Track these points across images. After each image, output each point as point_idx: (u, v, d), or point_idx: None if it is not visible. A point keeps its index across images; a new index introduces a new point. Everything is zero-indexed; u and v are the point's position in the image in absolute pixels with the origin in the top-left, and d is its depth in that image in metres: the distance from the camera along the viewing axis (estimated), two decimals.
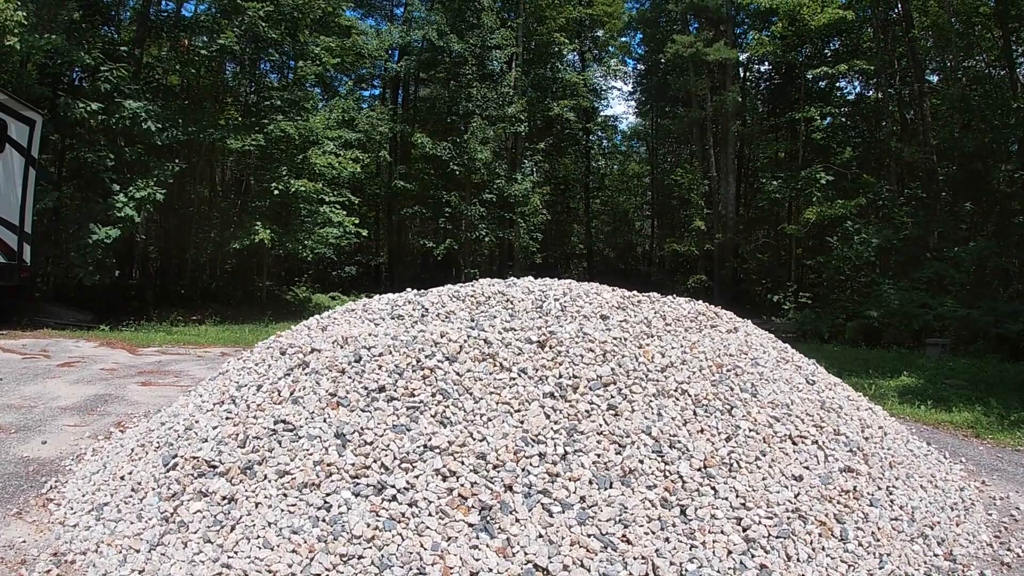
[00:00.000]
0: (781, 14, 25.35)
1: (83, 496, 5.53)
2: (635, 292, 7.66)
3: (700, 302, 7.95)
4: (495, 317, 6.43)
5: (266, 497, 4.60)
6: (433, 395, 4.99)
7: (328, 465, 4.57)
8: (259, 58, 25.14)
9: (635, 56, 37.25)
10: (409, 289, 7.80)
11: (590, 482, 4.41)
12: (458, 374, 5.20)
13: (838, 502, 5.15)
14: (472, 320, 6.40)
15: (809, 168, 25.43)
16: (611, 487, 4.44)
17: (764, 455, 5.15)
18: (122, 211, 19.70)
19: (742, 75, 32.40)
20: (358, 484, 4.40)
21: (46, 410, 8.84)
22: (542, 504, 4.26)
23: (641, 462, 4.67)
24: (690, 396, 5.39)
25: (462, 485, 4.29)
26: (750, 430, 5.33)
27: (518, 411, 4.89)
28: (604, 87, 37.41)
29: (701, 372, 5.75)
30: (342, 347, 5.75)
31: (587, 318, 6.50)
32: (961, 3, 23.69)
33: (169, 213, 25.72)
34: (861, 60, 25.52)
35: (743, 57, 31.38)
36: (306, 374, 5.51)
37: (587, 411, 4.93)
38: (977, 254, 21.03)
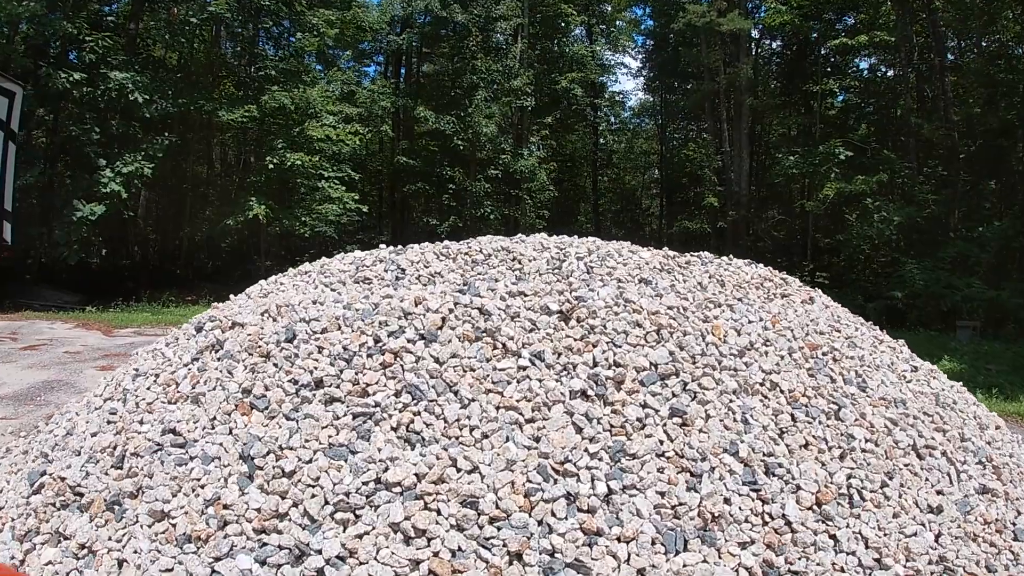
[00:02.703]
0: None
1: None
2: (673, 252, 5.90)
3: (761, 265, 6.13)
4: (496, 280, 4.69)
5: (134, 553, 2.86)
6: (397, 394, 3.27)
7: (224, 508, 2.79)
8: (256, 31, 23.27)
9: (643, 31, 35.35)
10: (384, 246, 6.01)
11: (652, 542, 2.62)
12: (437, 361, 3.47)
13: (983, 540, 3.63)
14: (464, 284, 4.63)
15: (827, 143, 23.61)
16: (685, 549, 2.67)
17: (891, 478, 3.53)
18: (108, 186, 18.28)
19: (755, 49, 30.43)
20: (265, 546, 2.60)
21: None
22: None
23: (727, 502, 2.92)
24: (783, 393, 3.65)
25: (437, 555, 2.50)
26: (867, 440, 3.69)
27: (532, 421, 3.20)
28: (612, 62, 35.80)
29: (792, 357, 4.00)
30: (274, 320, 3.96)
31: (622, 282, 4.73)
32: None
33: (164, 191, 24.17)
34: (882, 31, 23.50)
35: (755, 33, 29.62)
36: (217, 359, 3.76)
37: (640, 420, 3.23)
38: (1002, 234, 19.51)
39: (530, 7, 29.38)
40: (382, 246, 6.01)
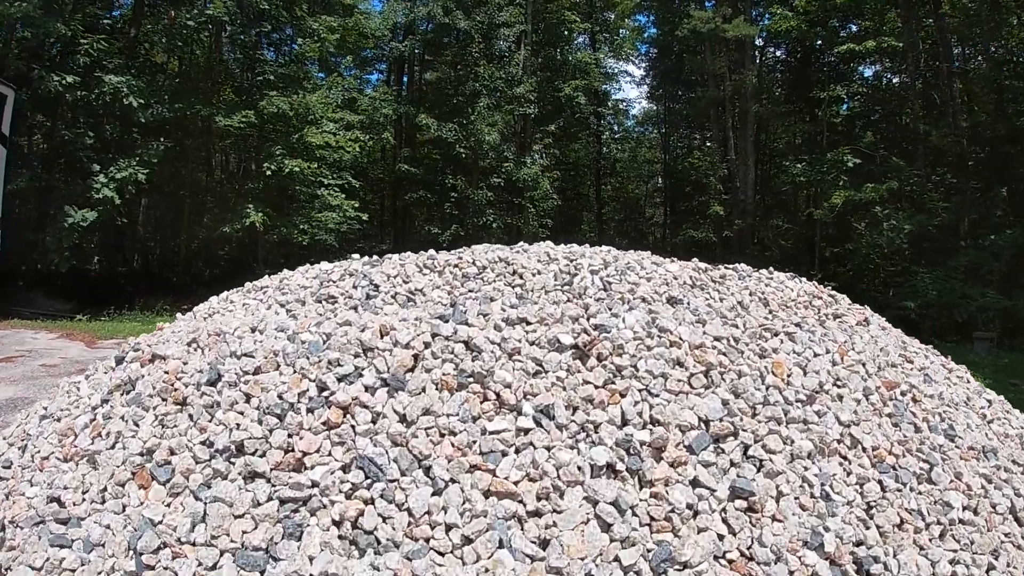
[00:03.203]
0: None
1: None
2: (704, 264, 5.16)
3: (803, 279, 5.42)
4: (491, 300, 3.96)
5: None
6: (344, 469, 2.55)
7: None
8: (258, 37, 22.64)
9: (647, 39, 34.82)
10: (356, 256, 5.30)
11: None
12: (404, 420, 2.73)
13: None
14: (450, 305, 3.89)
15: (835, 151, 22.97)
16: None
17: (996, 557, 2.84)
18: (100, 192, 17.63)
19: (759, 57, 29.83)
20: None
21: None
22: None
23: None
24: (866, 452, 2.92)
25: None
26: (964, 508, 3.00)
27: (537, 514, 2.46)
28: (615, 70, 35.15)
29: (869, 401, 3.27)
30: (203, 352, 3.26)
31: (648, 301, 3.99)
32: None
33: (163, 198, 23.56)
34: (890, 37, 22.87)
35: (759, 41, 29.02)
36: (125, 404, 3.02)
37: (690, 507, 2.49)
38: (1014, 242, 18.85)
39: (533, 14, 28.83)
40: (354, 256, 5.31)
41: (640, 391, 2.97)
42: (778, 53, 30.98)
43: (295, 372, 2.95)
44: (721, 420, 2.85)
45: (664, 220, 35.12)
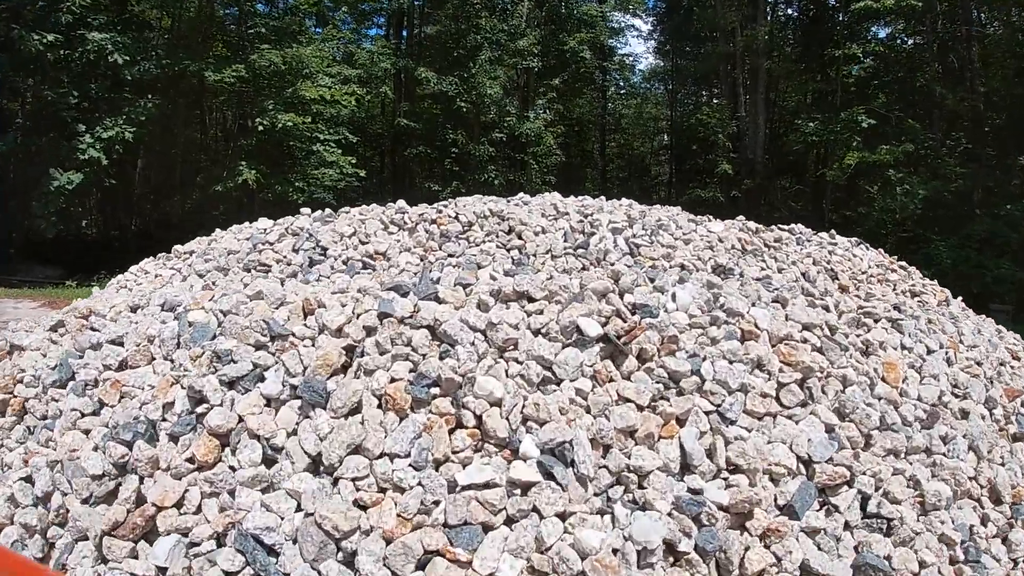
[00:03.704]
0: None
1: None
2: (752, 223, 4.41)
3: (867, 246, 4.71)
4: (479, 267, 3.21)
5: None
6: (217, 541, 1.91)
7: None
8: None
9: None
10: (307, 211, 4.57)
11: None
12: (318, 463, 2.06)
13: None
14: (417, 276, 3.03)
15: (849, 110, 21.89)
16: None
17: None
18: (86, 153, 16.94)
19: (771, 13, 28.59)
20: None
21: None
22: None
23: None
24: (1007, 498, 2.28)
25: None
26: None
27: None
28: (622, 24, 33.93)
29: (992, 417, 2.61)
30: (73, 337, 2.63)
31: (688, 270, 3.24)
32: None
33: (155, 158, 22.71)
34: None
35: None
36: None
37: None
38: None
39: None
40: (304, 211, 4.55)
41: (708, 414, 2.23)
42: (790, 11, 29.90)
43: (174, 368, 2.25)
44: (831, 461, 2.13)
45: (670, 179, 34.24)
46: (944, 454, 2.45)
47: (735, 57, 26.13)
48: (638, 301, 2.59)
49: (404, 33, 31.32)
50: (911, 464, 2.33)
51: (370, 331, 2.40)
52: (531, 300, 2.68)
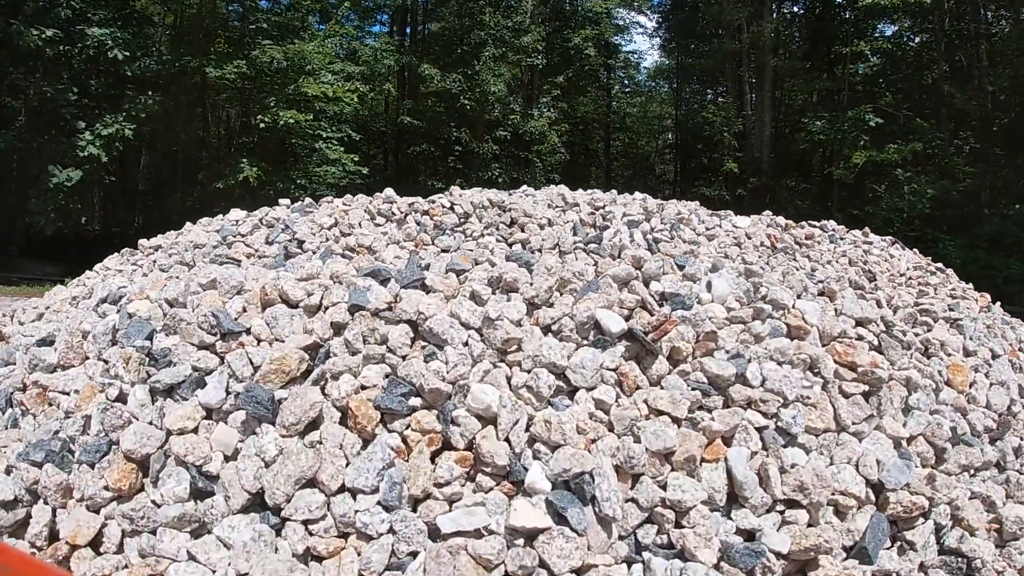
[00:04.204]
0: None
1: None
2: (780, 218, 4.05)
3: (902, 246, 4.33)
4: (476, 262, 2.80)
5: None
6: None
7: None
8: None
9: None
10: (286, 202, 4.17)
11: None
12: (261, 500, 1.66)
13: None
14: (402, 272, 2.49)
15: (856, 109, 21.54)
16: None
17: None
18: (86, 150, 16.67)
19: (776, 10, 28.15)
20: None
21: None
22: None
23: None
24: None
25: None
26: None
27: None
28: (627, 21, 33.44)
29: None
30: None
31: (720, 274, 2.83)
32: None
33: (158, 155, 22.42)
34: None
35: None
36: None
37: None
38: None
39: None
40: (298, 204, 4.16)
41: (760, 430, 1.81)
42: (796, 8, 29.51)
43: (103, 373, 1.85)
44: (908, 488, 1.72)
45: (675, 177, 33.98)
46: (1018, 470, 2.06)
47: (741, 54, 25.78)
48: (668, 289, 2.18)
49: (408, 30, 31.01)
50: (985, 483, 1.94)
51: (339, 328, 1.99)
52: (536, 301, 2.26)
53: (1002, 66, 22.48)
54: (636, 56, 35.78)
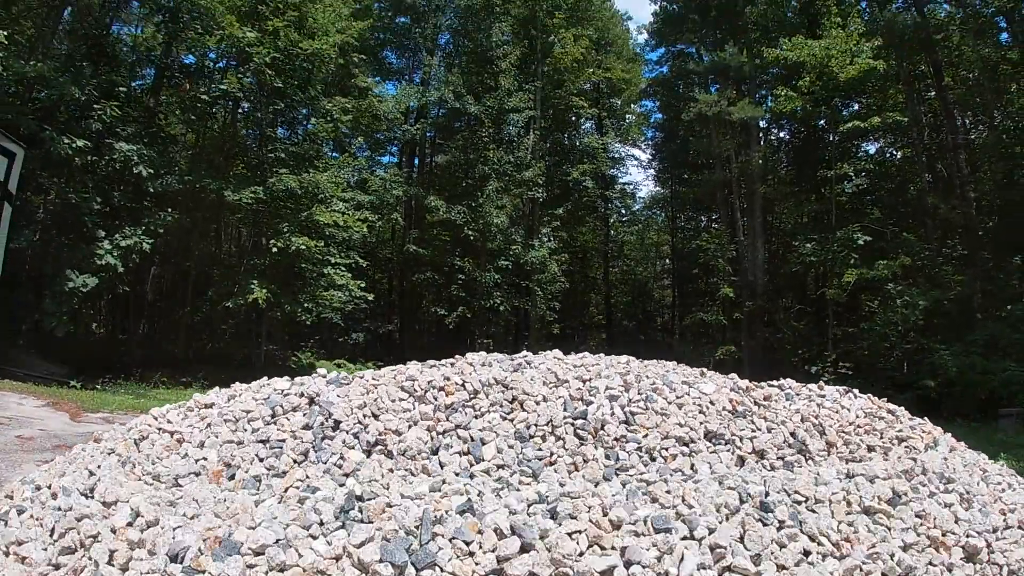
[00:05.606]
0: (809, 68, 22.60)
1: None
2: (743, 381, 4.38)
3: (857, 393, 4.60)
4: (482, 442, 3.08)
5: None
6: None
7: None
8: (273, 116, 22.54)
9: (653, 124, 35.05)
10: (323, 373, 4.51)
11: None
12: None
13: None
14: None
15: (844, 228, 22.38)
16: None
17: None
18: (103, 259, 17.06)
19: (764, 138, 29.82)
20: None
21: None
22: None
23: None
24: None
25: None
26: None
27: None
28: (622, 154, 35.53)
29: None
30: None
31: (685, 443, 3.20)
32: (985, 53, 21.41)
33: (170, 267, 23.02)
34: (894, 112, 22.69)
35: (763, 123, 28.88)
36: None
37: None
38: None
39: (542, 100, 29.03)
40: (317, 372, 4.49)
41: None
42: (782, 134, 30.96)
43: None
44: None
45: (673, 302, 34.56)
46: None
47: (731, 183, 26.80)
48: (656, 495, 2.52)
49: (416, 161, 32.56)
50: None
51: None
52: (517, 495, 2.75)
53: (984, 170, 23.38)
54: (632, 187, 37.40)
